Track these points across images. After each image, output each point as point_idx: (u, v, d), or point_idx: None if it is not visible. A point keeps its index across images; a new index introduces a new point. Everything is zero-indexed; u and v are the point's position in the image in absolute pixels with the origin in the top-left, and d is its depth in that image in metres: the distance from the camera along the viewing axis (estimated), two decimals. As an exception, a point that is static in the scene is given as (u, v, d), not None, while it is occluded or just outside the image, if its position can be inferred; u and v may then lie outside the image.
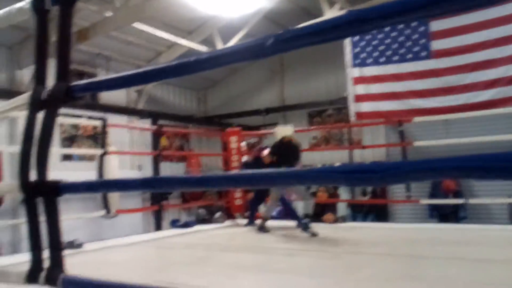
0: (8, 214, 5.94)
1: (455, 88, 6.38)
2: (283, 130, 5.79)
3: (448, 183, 7.41)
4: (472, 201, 6.67)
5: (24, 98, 1.77)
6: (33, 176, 1.67)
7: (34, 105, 1.69)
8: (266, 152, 5.87)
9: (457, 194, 7.29)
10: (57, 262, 1.67)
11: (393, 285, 2.85)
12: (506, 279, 2.86)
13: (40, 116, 1.71)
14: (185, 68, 1.40)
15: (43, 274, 1.67)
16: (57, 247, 1.67)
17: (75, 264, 3.96)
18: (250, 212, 6.32)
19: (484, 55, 6.20)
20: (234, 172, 1.24)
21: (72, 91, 1.66)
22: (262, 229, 5.52)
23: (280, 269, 3.51)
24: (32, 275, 1.67)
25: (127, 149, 9.28)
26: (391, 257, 3.84)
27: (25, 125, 1.69)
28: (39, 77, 1.76)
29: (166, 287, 1.45)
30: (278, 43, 1.17)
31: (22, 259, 1.75)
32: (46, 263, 1.70)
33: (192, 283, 2.98)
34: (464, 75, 6.33)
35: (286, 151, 5.52)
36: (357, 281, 3.02)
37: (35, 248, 1.69)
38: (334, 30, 1.10)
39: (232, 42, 9.07)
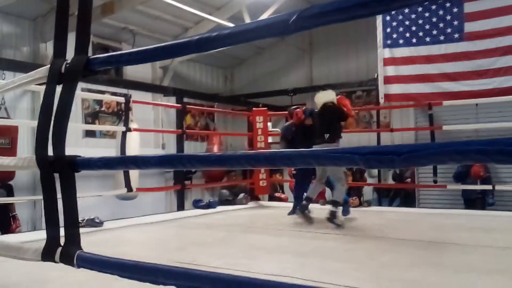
0: (27, 189, 6.04)
1: (487, 71, 6.21)
2: (324, 95, 5.39)
3: (476, 169, 7.21)
4: (499, 187, 6.55)
5: (43, 71, 1.72)
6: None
7: (53, 78, 1.65)
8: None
9: (485, 180, 7.07)
10: (73, 239, 1.65)
11: (415, 271, 2.80)
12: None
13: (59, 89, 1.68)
14: (206, 44, 1.34)
15: (59, 251, 1.65)
16: (73, 224, 1.65)
17: (94, 242, 4.04)
18: (294, 200, 5.66)
19: None
20: (252, 151, 1.19)
21: (91, 65, 1.61)
22: (305, 211, 4.99)
23: (302, 252, 3.47)
24: (48, 252, 1.66)
25: (151, 127, 9.27)
26: (415, 242, 3.80)
27: (44, 99, 1.65)
28: (59, 50, 1.72)
29: (176, 267, 1.40)
30: (302, 20, 1.12)
31: (40, 236, 1.73)
32: (62, 240, 1.69)
33: (211, 264, 2.95)
34: (496, 58, 6.15)
35: (328, 115, 5.11)
36: (379, 266, 2.98)
37: (52, 224, 1.67)
38: (361, 8, 1.04)
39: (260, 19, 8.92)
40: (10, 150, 6.01)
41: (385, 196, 8.91)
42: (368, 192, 8.76)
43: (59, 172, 1.60)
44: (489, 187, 6.41)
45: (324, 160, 1.13)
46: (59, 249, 1.66)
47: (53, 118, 1.60)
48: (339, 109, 5.08)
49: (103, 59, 1.59)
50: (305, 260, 3.18)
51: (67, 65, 1.62)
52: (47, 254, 1.66)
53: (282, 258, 3.26)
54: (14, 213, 5.75)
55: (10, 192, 5.84)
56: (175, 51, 1.42)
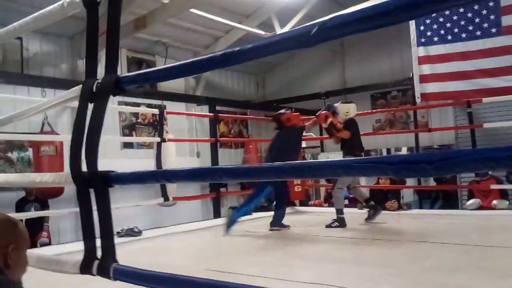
0: (70, 202, 6.24)
1: None
2: (350, 109, 5.37)
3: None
4: None
5: (76, 90, 1.79)
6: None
7: (85, 97, 1.71)
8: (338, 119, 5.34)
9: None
10: (109, 252, 1.69)
11: (459, 275, 2.71)
12: None
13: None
14: (230, 58, 1.38)
15: (96, 264, 1.70)
16: (108, 237, 1.69)
17: (133, 251, 4.12)
18: (277, 210, 5.27)
19: None
20: (277, 164, 1.19)
21: (121, 83, 1.66)
22: (340, 223, 4.97)
23: (341, 259, 3.43)
24: (86, 265, 1.71)
25: (186, 136, 9.39)
26: (458, 246, 3.68)
27: (76, 116, 1.71)
28: (90, 69, 1.78)
29: (210, 279, 1.41)
30: (323, 32, 1.13)
31: (76, 248, 1.79)
32: (99, 253, 1.74)
33: (247, 272, 2.95)
34: None
35: (356, 130, 5.28)
36: (421, 271, 2.90)
37: (88, 237, 1.72)
38: (384, 16, 1.03)
39: (290, 25, 8.91)
40: (57, 156, 6.31)
41: (426, 198, 8.66)
42: (408, 194, 8.56)
43: (93, 187, 1.65)
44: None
45: (354, 170, 1.12)
46: (96, 262, 1.71)
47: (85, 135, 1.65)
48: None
49: (132, 77, 1.64)
50: (343, 267, 3.14)
51: (98, 85, 1.67)
52: (85, 267, 1.71)
53: (319, 266, 3.23)
54: (45, 223, 6.04)
55: (44, 206, 6.12)
56: (200, 67, 1.46)
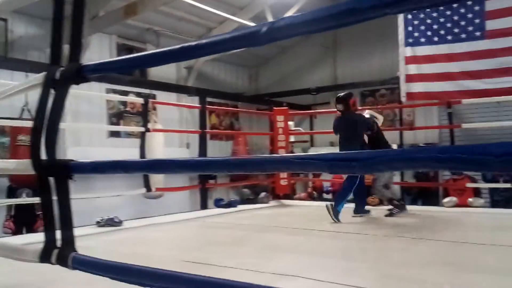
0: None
1: (509, 69, 6.11)
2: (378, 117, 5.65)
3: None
4: None
5: (40, 77, 1.78)
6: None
7: (47, 84, 1.70)
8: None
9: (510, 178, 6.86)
10: (68, 241, 1.70)
11: (425, 270, 2.76)
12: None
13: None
14: (189, 52, 1.42)
15: (55, 253, 1.70)
16: (68, 226, 1.69)
17: (111, 241, 4.11)
18: (358, 199, 5.37)
19: None
20: (230, 157, 1.21)
21: (84, 72, 1.65)
22: (400, 208, 5.25)
23: (316, 251, 3.48)
24: (45, 254, 1.71)
25: (176, 127, 9.36)
26: (431, 242, 3.79)
27: (38, 104, 1.70)
28: (54, 57, 1.76)
29: (162, 269, 1.42)
30: (272, 31, 1.16)
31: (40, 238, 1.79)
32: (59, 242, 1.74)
33: (223, 264, 2.97)
34: None
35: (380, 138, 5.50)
36: (388, 265, 2.97)
37: (49, 227, 1.72)
38: (330, 20, 1.09)
39: (284, 18, 8.89)
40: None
41: (408, 195, 8.76)
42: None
43: (53, 176, 1.65)
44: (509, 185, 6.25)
45: (294, 165, 1.13)
46: (56, 251, 1.71)
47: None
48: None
49: (94, 66, 1.62)
50: (317, 260, 3.17)
51: (61, 72, 1.66)
52: (45, 256, 1.71)
53: (294, 258, 3.26)
54: (39, 212, 5.94)
55: (35, 192, 6.01)
56: (162, 58, 1.47)
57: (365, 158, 0.92)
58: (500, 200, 7.06)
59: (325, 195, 9.14)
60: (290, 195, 7.51)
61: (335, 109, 5.34)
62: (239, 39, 1.24)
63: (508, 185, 6.30)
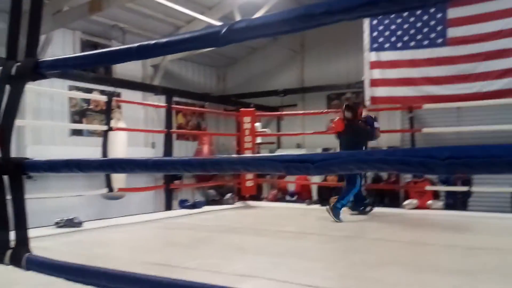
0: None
1: (469, 76, 6.33)
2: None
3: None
4: (475, 189, 6.62)
5: (-6, 72, 1.72)
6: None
7: (3, 80, 1.65)
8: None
9: (466, 181, 7.12)
10: (22, 242, 1.65)
11: (381, 270, 2.84)
12: (493, 267, 2.88)
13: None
14: (146, 51, 1.41)
15: (8, 254, 1.65)
16: (22, 226, 1.65)
17: (70, 242, 4.01)
18: (357, 198, 5.49)
19: (498, 44, 6.13)
20: (188, 157, 1.22)
21: (40, 68, 1.61)
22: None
23: (278, 252, 3.49)
24: (-3, 255, 1.65)
25: (141, 126, 9.23)
26: (390, 242, 3.88)
27: (-7, 101, 1.64)
28: (11, 51, 1.71)
29: (115, 270, 1.40)
30: (232, 33, 1.17)
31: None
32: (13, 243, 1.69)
33: (184, 265, 2.95)
34: (478, 63, 6.28)
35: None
36: (346, 265, 3.03)
37: (2, 227, 1.67)
38: (283, 24, 1.12)
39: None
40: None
41: (371, 196, 8.93)
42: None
43: (7, 174, 1.60)
44: (465, 188, 6.60)
45: (251, 166, 1.14)
46: (9, 251, 1.66)
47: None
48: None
49: (52, 62, 1.59)
50: (278, 260, 3.19)
51: (17, 67, 1.62)
52: (-3, 257, 1.66)
53: (256, 258, 3.27)
54: None
55: None
56: (117, 57, 1.44)
57: (320, 159, 0.95)
58: (457, 202, 7.31)
59: (288, 197, 9.19)
60: (256, 196, 7.54)
61: (334, 113, 5.65)
62: (199, 40, 1.24)
63: (465, 188, 6.55)
